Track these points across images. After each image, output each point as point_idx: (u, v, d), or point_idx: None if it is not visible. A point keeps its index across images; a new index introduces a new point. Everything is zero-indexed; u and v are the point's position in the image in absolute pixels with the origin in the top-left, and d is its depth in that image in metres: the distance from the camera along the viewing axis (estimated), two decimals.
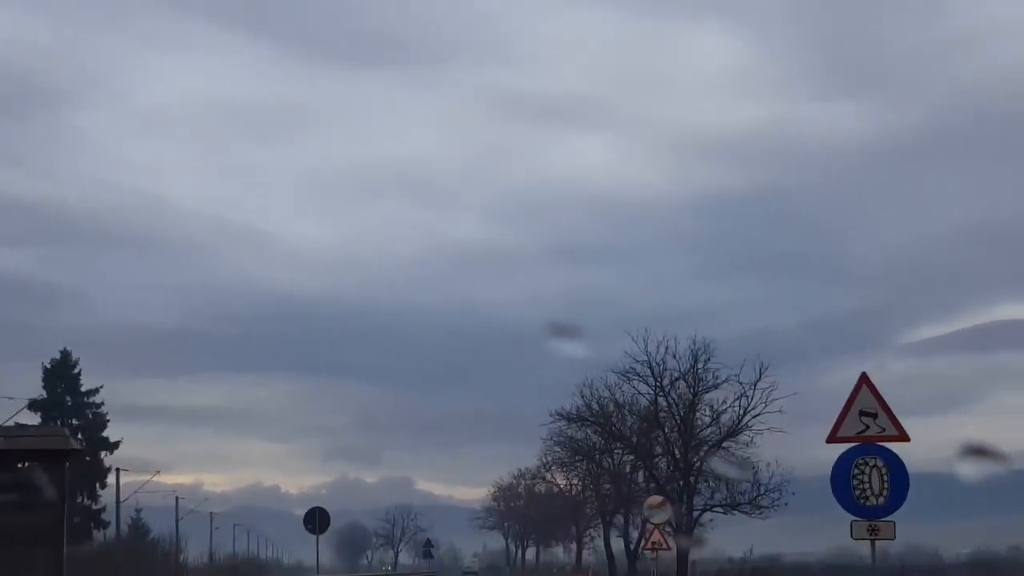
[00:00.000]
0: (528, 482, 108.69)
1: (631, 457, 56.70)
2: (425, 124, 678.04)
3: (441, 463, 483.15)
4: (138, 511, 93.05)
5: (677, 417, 48.63)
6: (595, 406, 52.27)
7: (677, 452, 48.56)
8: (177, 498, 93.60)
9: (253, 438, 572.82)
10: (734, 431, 47.37)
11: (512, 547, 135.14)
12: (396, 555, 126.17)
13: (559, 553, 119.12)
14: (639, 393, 49.16)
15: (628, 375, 48.18)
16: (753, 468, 45.89)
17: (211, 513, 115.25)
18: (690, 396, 48.41)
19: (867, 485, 15.90)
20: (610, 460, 66.15)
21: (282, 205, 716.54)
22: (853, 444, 16.06)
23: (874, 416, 15.85)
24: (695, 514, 47.56)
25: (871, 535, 16.06)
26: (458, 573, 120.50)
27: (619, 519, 71.96)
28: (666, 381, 48.14)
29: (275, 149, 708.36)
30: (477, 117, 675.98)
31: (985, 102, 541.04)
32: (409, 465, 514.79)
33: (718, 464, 47.05)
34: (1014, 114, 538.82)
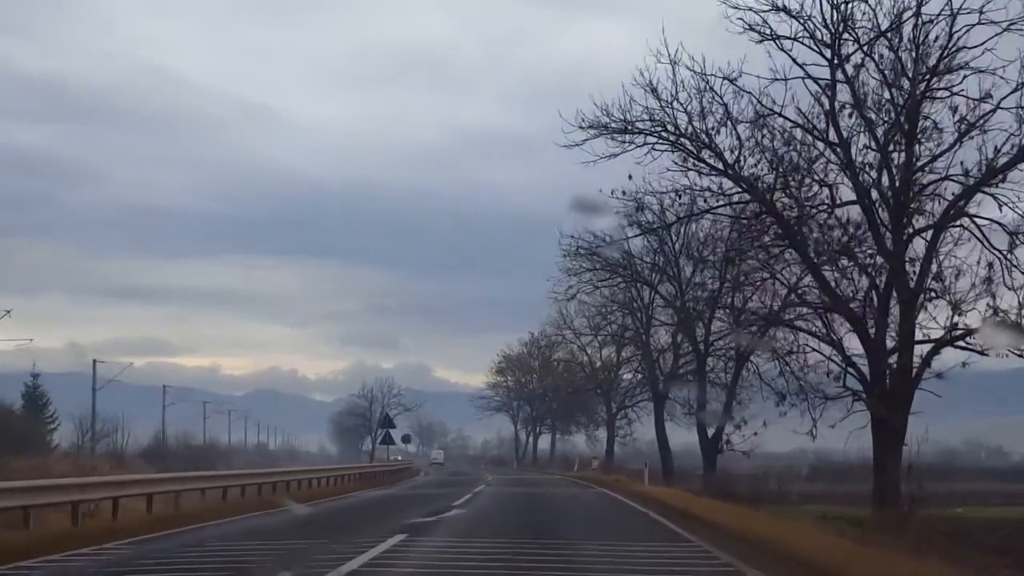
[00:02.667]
0: (542, 348, 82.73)
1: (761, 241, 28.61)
2: (438, 6, 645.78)
3: (458, 351, 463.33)
4: (34, 376, 68.37)
5: (874, 141, 21.38)
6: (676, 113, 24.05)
7: (878, 218, 21.38)
8: (95, 361, 66.99)
9: (269, 322, 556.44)
10: (1009, 164, 20.45)
11: (524, 435, 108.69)
12: (373, 441, 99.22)
13: (580, 443, 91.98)
14: (785, 76, 21.62)
15: (760, 31, 20.98)
16: None
17: (163, 386, 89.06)
18: (900, 98, 21.23)
19: None
20: (673, 282, 39.74)
21: (295, 85, 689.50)
22: None
23: None
24: (917, 354, 20.55)
25: None
26: (446, 468, 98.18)
27: (681, 392, 46.07)
28: (849, 50, 21.06)
29: (290, 28, 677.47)
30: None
31: None
32: (426, 352, 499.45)
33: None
34: None
